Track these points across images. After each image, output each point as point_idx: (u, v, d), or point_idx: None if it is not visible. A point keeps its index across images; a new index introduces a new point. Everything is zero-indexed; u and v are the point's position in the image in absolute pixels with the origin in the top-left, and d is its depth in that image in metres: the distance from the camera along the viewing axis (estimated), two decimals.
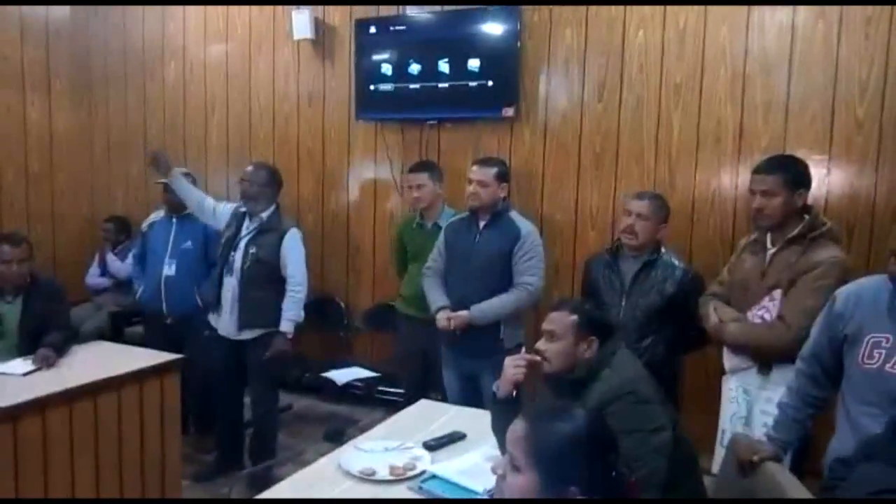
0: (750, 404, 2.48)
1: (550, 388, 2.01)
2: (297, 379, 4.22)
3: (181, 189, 3.55)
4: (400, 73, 4.10)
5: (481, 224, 3.12)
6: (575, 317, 1.95)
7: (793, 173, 2.48)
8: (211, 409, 3.65)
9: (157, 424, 3.03)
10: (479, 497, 1.84)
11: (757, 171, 2.54)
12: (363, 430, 2.44)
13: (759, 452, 1.98)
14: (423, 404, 2.65)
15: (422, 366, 3.49)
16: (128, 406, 2.91)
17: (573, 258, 3.80)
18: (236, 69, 4.77)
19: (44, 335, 3.00)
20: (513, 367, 1.97)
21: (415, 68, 4.05)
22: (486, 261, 3.05)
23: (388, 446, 2.15)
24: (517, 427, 1.34)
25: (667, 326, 2.80)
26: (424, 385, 3.45)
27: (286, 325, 3.35)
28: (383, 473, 1.97)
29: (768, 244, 2.52)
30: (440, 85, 3.99)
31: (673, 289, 2.79)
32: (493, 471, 1.40)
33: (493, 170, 3.09)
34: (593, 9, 3.69)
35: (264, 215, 3.40)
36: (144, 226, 3.99)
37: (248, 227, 3.42)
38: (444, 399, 3.14)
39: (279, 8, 4.53)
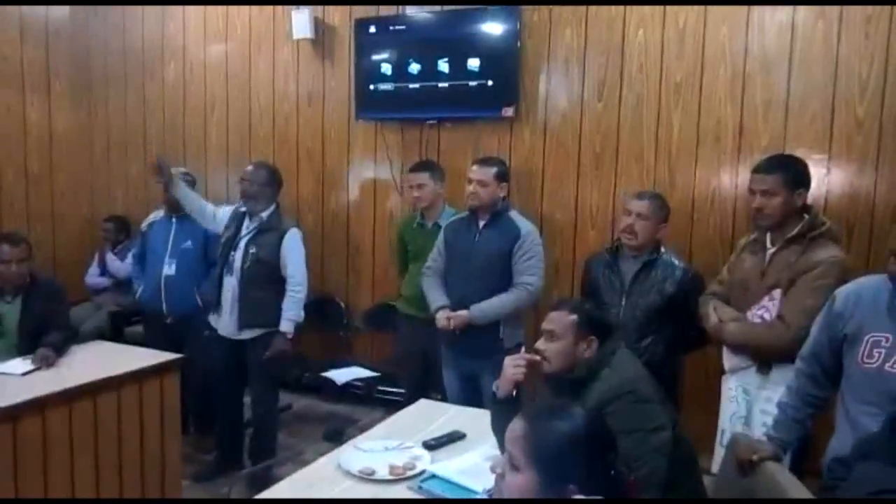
0: (749, 404, 2.48)
1: (550, 388, 2.01)
2: (297, 379, 4.22)
3: (183, 196, 3.53)
4: (400, 72, 4.09)
5: (481, 224, 3.12)
6: (574, 316, 1.95)
7: (792, 173, 2.48)
8: (211, 409, 3.65)
9: (156, 424, 3.03)
10: (478, 497, 1.84)
11: (757, 170, 2.54)
12: (363, 430, 2.45)
13: (758, 452, 1.98)
14: (423, 404, 2.65)
15: (422, 366, 3.49)
16: (127, 406, 2.91)
17: (573, 258, 3.80)
18: (236, 69, 4.77)
19: (43, 335, 3.00)
20: (513, 366, 1.97)
21: (414, 68, 4.05)
22: (486, 260, 3.05)
23: (387, 446, 2.15)
24: (516, 426, 1.34)
25: (667, 326, 2.80)
26: (425, 385, 3.45)
27: (286, 325, 3.35)
28: (383, 473, 1.97)
29: (768, 244, 2.52)
30: (440, 84, 3.99)
31: (673, 288, 2.79)
32: (492, 470, 1.40)
33: (493, 169, 3.09)
34: (593, 8, 3.69)
35: (264, 215, 3.40)
36: (144, 225, 3.99)
37: (248, 227, 3.41)
38: (445, 399, 3.14)
39: (279, 8, 4.53)
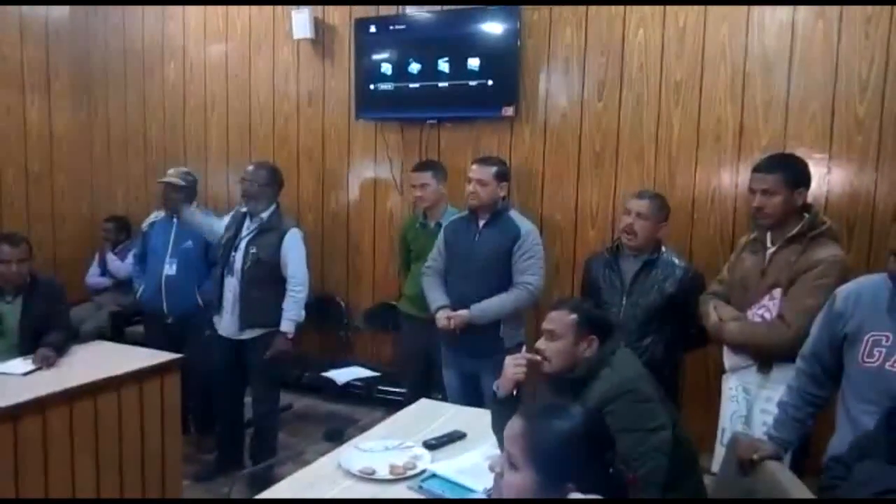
0: (750, 403, 2.48)
1: (551, 388, 2.01)
2: (298, 378, 4.22)
3: (197, 226, 3.65)
4: (400, 72, 4.09)
5: (481, 223, 3.11)
6: (575, 316, 1.95)
7: (793, 172, 2.48)
8: (211, 409, 3.65)
9: (157, 424, 3.03)
10: (478, 496, 1.84)
11: (757, 169, 2.54)
12: (363, 430, 2.44)
13: (759, 451, 1.98)
14: (423, 403, 2.65)
15: (424, 366, 3.49)
16: (128, 406, 2.91)
17: (573, 257, 3.80)
18: (236, 69, 4.77)
19: (44, 335, 3.00)
20: (513, 366, 1.97)
21: (414, 68, 4.05)
22: (486, 260, 3.05)
23: (388, 445, 2.14)
24: (515, 425, 1.34)
25: (667, 325, 2.80)
26: (426, 385, 3.45)
27: (287, 325, 3.35)
28: (383, 472, 1.97)
29: (768, 243, 2.52)
30: (440, 84, 3.99)
31: (673, 288, 2.78)
32: (491, 469, 1.40)
33: (493, 169, 3.09)
34: (593, 8, 3.68)
35: (265, 215, 3.40)
36: (145, 225, 3.99)
37: (248, 228, 3.41)
38: (446, 399, 3.14)
39: (279, 7, 4.53)
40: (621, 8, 3.61)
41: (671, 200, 3.04)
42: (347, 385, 3.93)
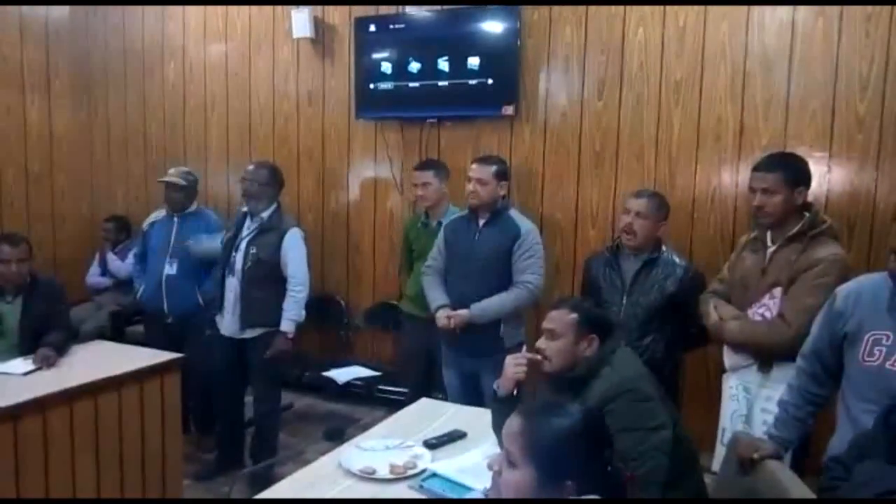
0: (750, 402, 2.48)
1: (551, 387, 2.01)
2: (298, 378, 4.22)
3: (204, 252, 3.68)
4: (400, 71, 4.09)
5: (481, 222, 3.11)
6: (575, 315, 1.95)
7: (793, 171, 2.48)
8: (211, 409, 3.65)
9: (157, 424, 3.03)
10: (479, 496, 1.83)
11: (757, 168, 2.54)
12: (363, 429, 2.44)
13: (759, 450, 1.97)
14: (424, 403, 2.65)
15: (425, 365, 3.49)
16: (128, 405, 2.91)
17: (573, 257, 3.80)
18: (236, 69, 4.77)
19: (44, 335, 3.00)
20: (513, 365, 1.98)
21: (414, 67, 4.05)
22: (486, 259, 3.05)
23: (388, 445, 2.14)
24: (513, 423, 1.34)
25: (667, 325, 2.80)
26: (427, 384, 3.45)
27: (287, 325, 3.35)
28: (384, 472, 1.97)
29: (768, 242, 2.52)
30: (440, 83, 3.99)
31: (674, 287, 2.78)
32: (489, 467, 1.40)
33: (493, 168, 3.09)
34: (593, 7, 3.68)
35: (265, 215, 3.40)
36: (145, 225, 3.99)
37: (248, 227, 3.41)
38: (446, 398, 3.14)
39: (279, 7, 4.53)
40: (621, 7, 3.61)
41: (671, 200, 3.04)
42: (348, 384, 3.93)
